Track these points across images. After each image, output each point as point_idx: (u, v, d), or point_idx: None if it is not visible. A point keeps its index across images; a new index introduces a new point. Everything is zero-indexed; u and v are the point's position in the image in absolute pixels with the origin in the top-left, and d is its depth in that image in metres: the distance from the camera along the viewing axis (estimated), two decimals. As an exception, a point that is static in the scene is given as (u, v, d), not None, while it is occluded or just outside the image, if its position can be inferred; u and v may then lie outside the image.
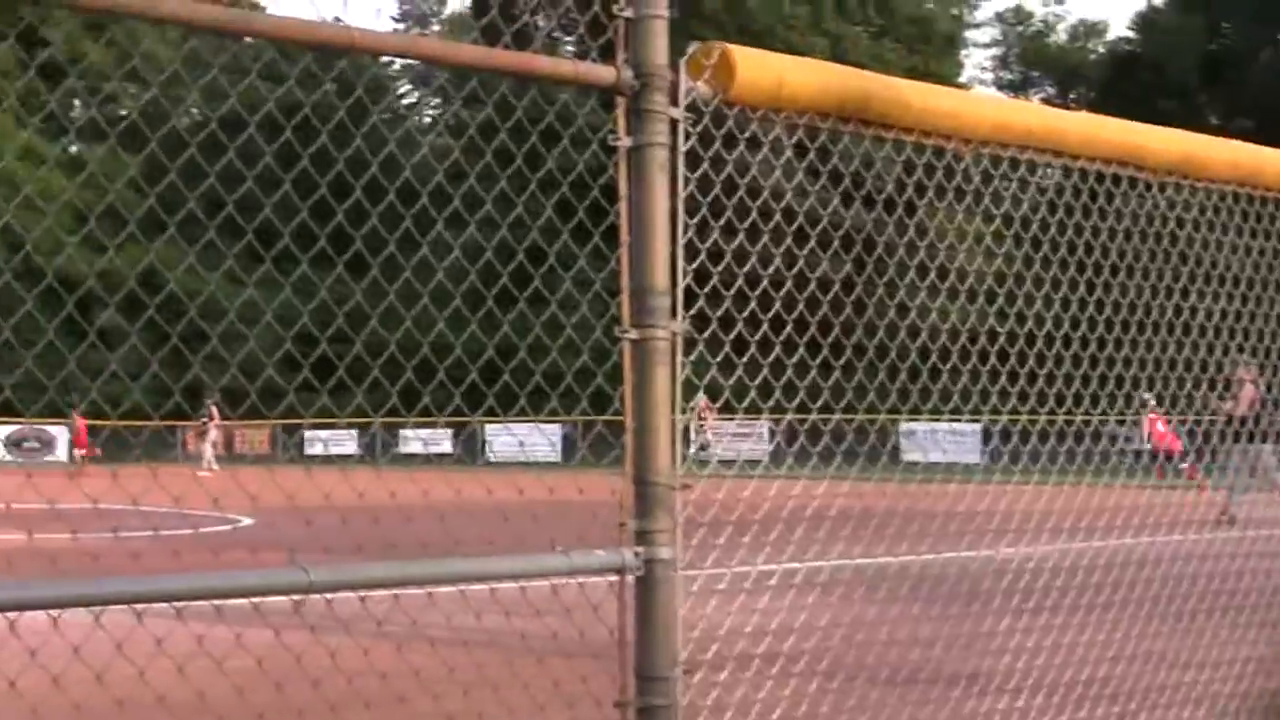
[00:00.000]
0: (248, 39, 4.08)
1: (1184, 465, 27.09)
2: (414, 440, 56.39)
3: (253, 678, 5.73)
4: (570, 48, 50.51)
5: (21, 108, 56.67)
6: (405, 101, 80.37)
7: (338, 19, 3.98)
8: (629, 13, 4.30)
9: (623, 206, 4.31)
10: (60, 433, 58.19)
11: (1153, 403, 25.68)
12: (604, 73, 4.29)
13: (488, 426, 53.66)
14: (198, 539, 13.61)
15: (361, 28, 3.97)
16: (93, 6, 3.60)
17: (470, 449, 54.71)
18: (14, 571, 4.65)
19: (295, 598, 3.98)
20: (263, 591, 3.98)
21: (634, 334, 4.27)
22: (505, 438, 52.84)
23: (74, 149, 68.47)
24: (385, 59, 61.75)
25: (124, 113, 61.75)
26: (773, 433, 40.31)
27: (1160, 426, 29.51)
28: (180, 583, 3.90)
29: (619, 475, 4.36)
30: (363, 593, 4.19)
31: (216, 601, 3.94)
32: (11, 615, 3.80)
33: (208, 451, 43.97)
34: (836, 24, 73.41)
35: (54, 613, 3.76)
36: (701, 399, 25.52)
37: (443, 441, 56.48)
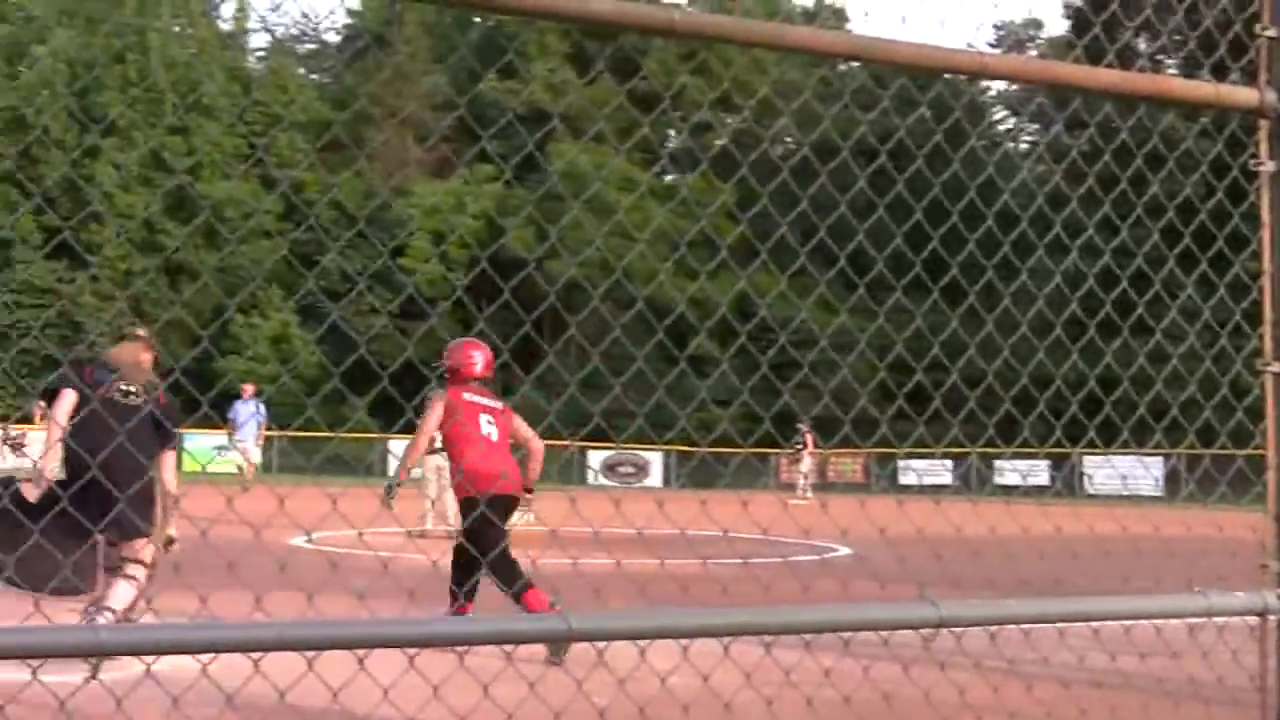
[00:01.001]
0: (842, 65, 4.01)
1: None
2: (1011, 471, 55.63)
3: (879, 712, 5.63)
4: (1173, 70, 48.93)
5: (618, 138, 58.92)
6: (1002, 127, 79.70)
7: (970, 45, 3.88)
8: (1272, 32, 4.03)
9: (1264, 234, 4.05)
10: (655, 457, 59.98)
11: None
12: (1244, 95, 4.05)
13: (1087, 459, 52.57)
14: (789, 568, 13.63)
15: (993, 53, 3.96)
16: (750, 39, 3.59)
17: (1069, 481, 53.63)
18: (602, 598, 4.64)
19: (925, 633, 3.88)
20: (891, 625, 3.96)
21: (1276, 367, 4.02)
22: (1106, 470, 51.60)
23: (668, 178, 70.67)
24: (982, 84, 61.60)
25: (719, 141, 63.39)
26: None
27: None
28: (810, 614, 3.86)
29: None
30: (993, 629, 4.04)
31: (845, 634, 3.88)
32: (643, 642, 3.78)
33: (802, 479, 44.20)
34: None
35: (685, 641, 3.75)
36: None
37: (1041, 473, 55.48)
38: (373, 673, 4.07)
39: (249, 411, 33.67)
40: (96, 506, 8.30)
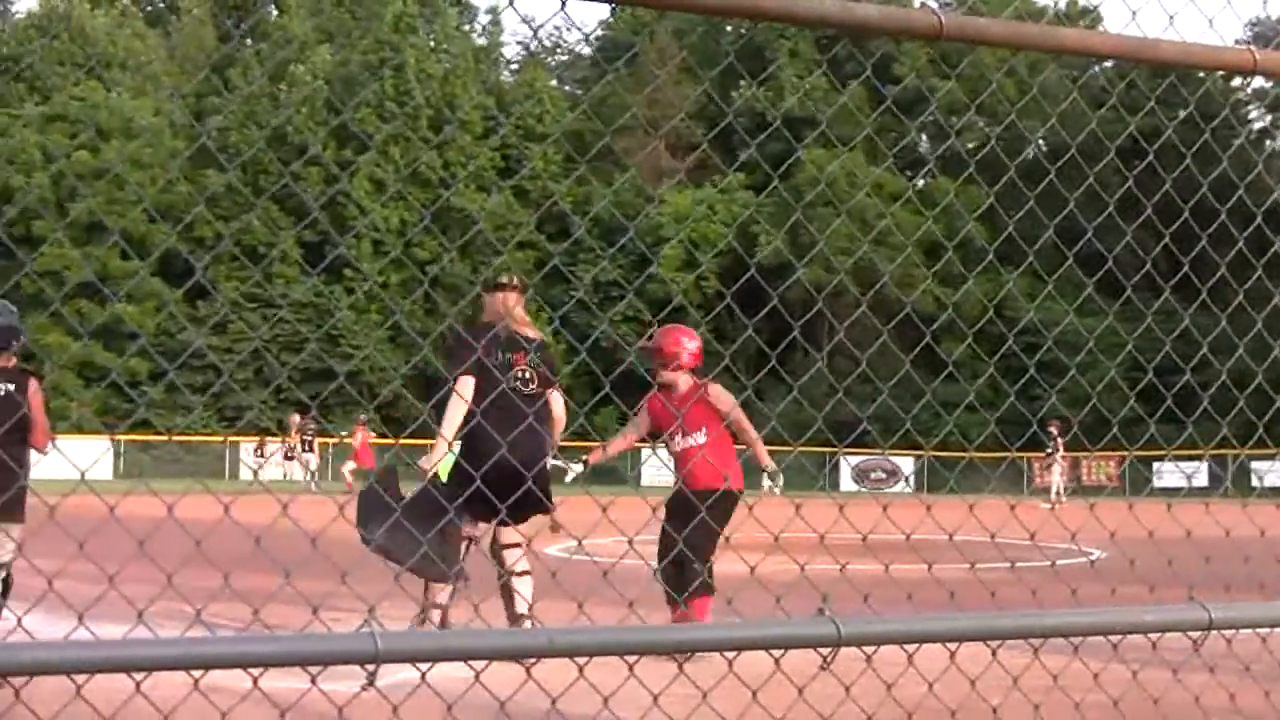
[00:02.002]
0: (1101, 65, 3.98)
1: None
2: (1274, 473, 54.07)
3: (1148, 716, 5.54)
4: None
5: (868, 142, 58.64)
6: (1257, 126, 77.53)
7: (1239, 41, 3.82)
8: None
9: None
10: (906, 463, 59.55)
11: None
12: None
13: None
14: (1055, 572, 13.35)
15: (1262, 51, 3.87)
16: (1020, 42, 3.57)
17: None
18: (871, 603, 4.63)
19: (1194, 636, 3.84)
20: (1160, 628, 3.92)
21: None
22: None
23: (919, 182, 70.12)
24: (1237, 81, 60.07)
25: (972, 145, 62.72)
26: None
27: None
28: (1077, 618, 3.90)
29: None
30: (1264, 631, 3.97)
31: (1114, 638, 3.84)
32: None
33: (1055, 483, 43.54)
34: None
35: (952, 646, 3.77)
36: None
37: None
38: (642, 679, 4.10)
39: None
40: (493, 494, 8.17)
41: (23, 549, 3.56)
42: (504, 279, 10.58)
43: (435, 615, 9.99)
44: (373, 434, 44.24)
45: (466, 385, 9.84)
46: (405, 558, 8.50)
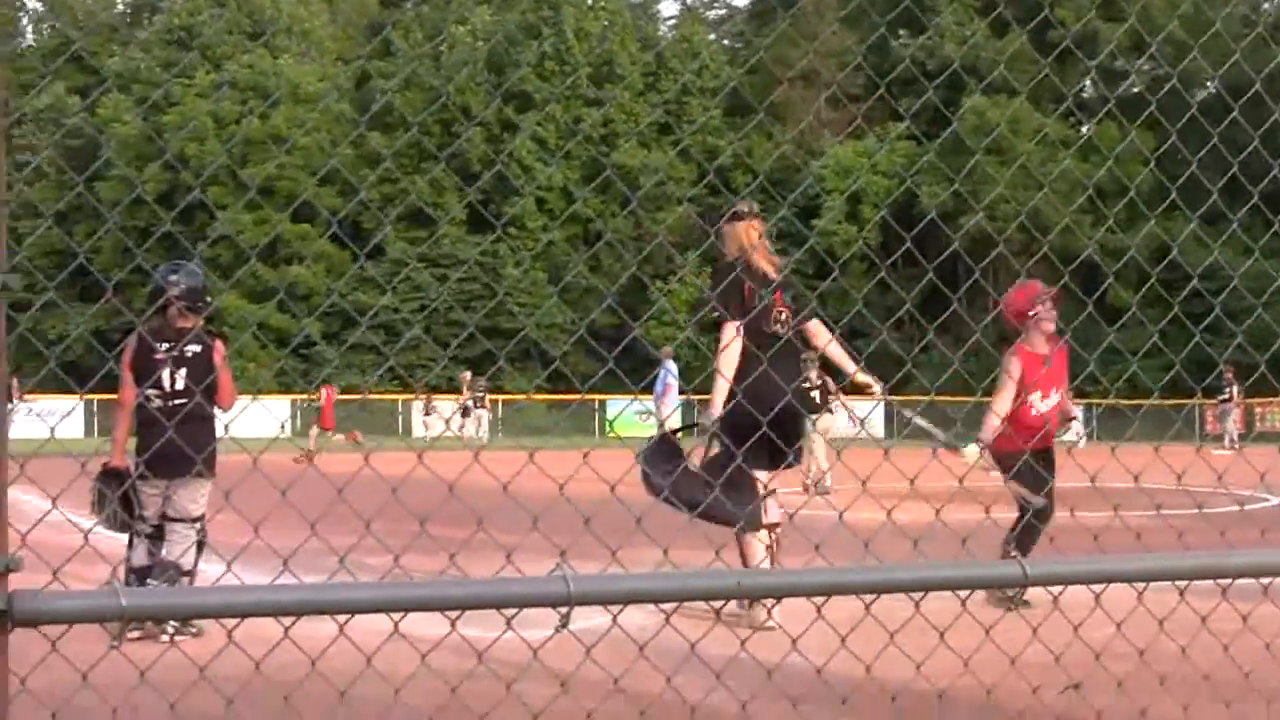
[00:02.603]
0: None
1: None
2: None
3: None
4: None
5: (1032, 89, 57.75)
6: None
7: None
8: None
9: None
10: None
11: None
12: None
13: None
14: (1244, 516, 13.07)
15: None
16: None
17: None
18: (1056, 546, 4.62)
19: None
20: None
21: None
22: None
23: (1084, 128, 68.86)
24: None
25: (1136, 88, 61.61)
26: None
27: None
28: (1265, 557, 3.87)
29: None
30: None
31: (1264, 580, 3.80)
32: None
33: (1229, 429, 42.52)
34: None
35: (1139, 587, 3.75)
36: None
37: None
38: (830, 620, 4.14)
39: (661, 374, 32.60)
40: (765, 441, 7.76)
41: (228, 498, 3.64)
42: (743, 208, 9.91)
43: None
44: (338, 393, 42.56)
45: (733, 331, 9.37)
46: (691, 505, 8.20)
